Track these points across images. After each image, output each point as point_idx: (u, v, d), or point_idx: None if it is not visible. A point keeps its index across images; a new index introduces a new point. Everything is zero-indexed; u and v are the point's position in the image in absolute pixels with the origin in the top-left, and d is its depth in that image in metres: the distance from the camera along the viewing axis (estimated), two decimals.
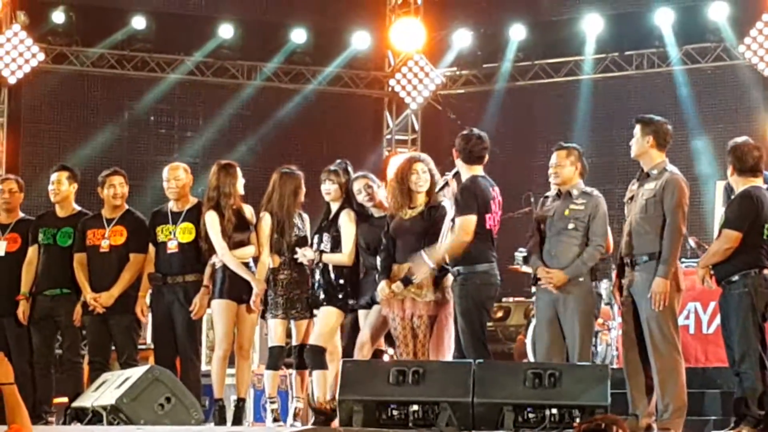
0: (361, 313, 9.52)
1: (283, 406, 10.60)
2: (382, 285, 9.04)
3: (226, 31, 17.47)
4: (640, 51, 17.28)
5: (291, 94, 18.04)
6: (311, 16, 17.87)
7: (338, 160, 9.79)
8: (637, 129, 8.64)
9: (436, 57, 18.26)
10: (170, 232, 9.90)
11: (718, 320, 9.66)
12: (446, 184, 9.05)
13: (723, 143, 9.01)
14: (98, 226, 10.11)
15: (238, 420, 9.68)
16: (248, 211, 9.83)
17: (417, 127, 18.68)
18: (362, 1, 18.56)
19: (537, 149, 16.29)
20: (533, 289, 9.16)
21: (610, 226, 8.91)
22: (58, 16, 16.99)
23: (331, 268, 9.52)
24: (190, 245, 9.85)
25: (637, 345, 8.53)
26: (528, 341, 12.12)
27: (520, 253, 12.24)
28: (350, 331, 9.64)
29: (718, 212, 10.57)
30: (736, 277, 8.47)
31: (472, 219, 8.73)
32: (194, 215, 9.87)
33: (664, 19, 16.75)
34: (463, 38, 18.05)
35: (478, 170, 8.96)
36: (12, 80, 16.75)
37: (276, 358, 9.71)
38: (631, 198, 8.66)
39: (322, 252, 9.52)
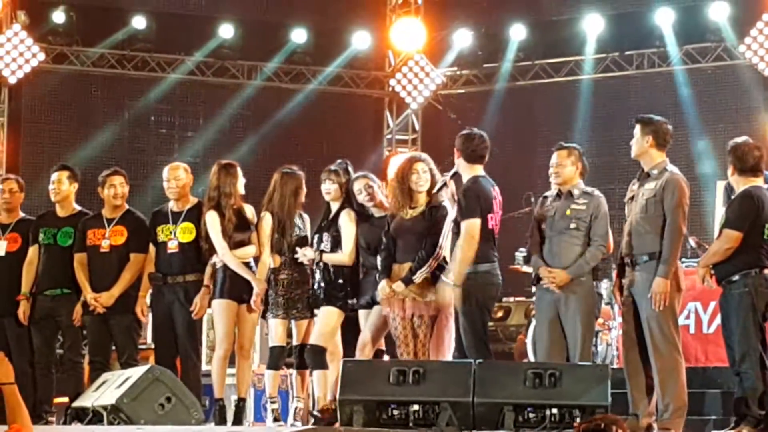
0: (362, 313, 9.53)
1: (284, 406, 10.60)
2: (383, 284, 9.05)
3: (226, 31, 17.47)
4: (640, 51, 17.28)
5: (291, 94, 18.04)
6: (311, 16, 17.87)
7: (339, 160, 9.79)
8: (637, 129, 8.65)
9: (436, 57, 18.26)
10: (170, 232, 9.91)
11: (718, 320, 9.67)
12: (444, 184, 9.04)
13: (723, 143, 9.02)
14: (99, 226, 10.11)
15: (238, 420, 9.68)
16: (249, 210, 9.83)
17: (417, 126, 18.68)
18: (362, 1, 18.56)
19: (537, 149, 16.28)
20: (534, 288, 9.17)
21: (610, 226, 8.91)
22: (59, 16, 16.99)
23: (331, 267, 9.52)
24: (190, 245, 9.85)
25: (637, 345, 8.53)
26: (528, 341, 12.13)
27: (521, 253, 12.25)
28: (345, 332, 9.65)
29: (719, 212, 10.57)
30: (736, 277, 8.47)
31: (477, 222, 8.73)
32: (195, 215, 9.87)
33: (664, 19, 16.75)
34: (463, 38, 18.05)
35: (479, 170, 8.96)
36: (12, 80, 16.75)
37: (276, 357, 9.71)
38: (632, 198, 8.66)
39: (322, 252, 9.53)
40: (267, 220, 9.67)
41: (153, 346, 10.72)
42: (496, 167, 9.17)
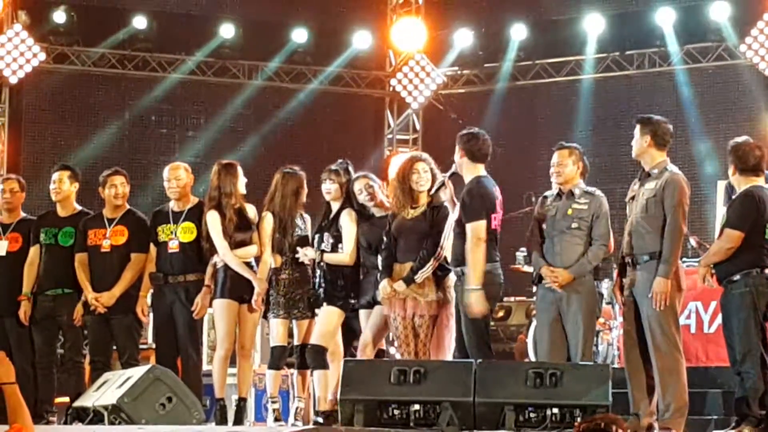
0: (362, 312, 9.53)
1: (285, 406, 10.60)
2: (384, 284, 9.05)
3: (227, 30, 17.47)
4: (641, 50, 17.26)
5: (292, 93, 18.04)
6: (312, 15, 17.87)
7: (339, 160, 9.80)
8: (637, 129, 8.67)
9: (437, 56, 18.25)
10: (171, 232, 9.91)
11: (719, 320, 9.67)
12: (443, 185, 9.03)
13: (724, 143, 9.02)
14: (99, 225, 10.11)
15: (239, 420, 9.68)
16: (251, 210, 9.83)
17: (418, 126, 18.67)
18: (363, 0, 18.55)
19: (538, 149, 16.25)
20: (535, 288, 9.16)
21: (611, 226, 8.92)
22: (60, 16, 16.98)
23: (331, 267, 9.52)
24: (191, 245, 9.85)
25: (638, 344, 8.54)
26: (529, 341, 12.13)
27: (521, 253, 12.25)
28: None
29: (720, 212, 10.57)
30: (737, 277, 8.47)
31: (482, 224, 8.73)
32: (195, 215, 9.87)
33: (665, 19, 16.73)
34: (464, 38, 18.04)
35: (482, 169, 8.97)
36: (13, 80, 16.74)
37: (277, 357, 9.71)
38: (633, 198, 8.67)
39: (323, 252, 9.53)
40: (268, 220, 9.67)
41: (154, 346, 10.72)
42: (497, 167, 9.17)
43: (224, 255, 9.63)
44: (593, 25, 17.16)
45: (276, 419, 9.69)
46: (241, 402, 9.78)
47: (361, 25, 18.06)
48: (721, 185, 11.13)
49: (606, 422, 4.95)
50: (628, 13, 17.38)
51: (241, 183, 9.82)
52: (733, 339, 8.52)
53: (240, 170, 9.85)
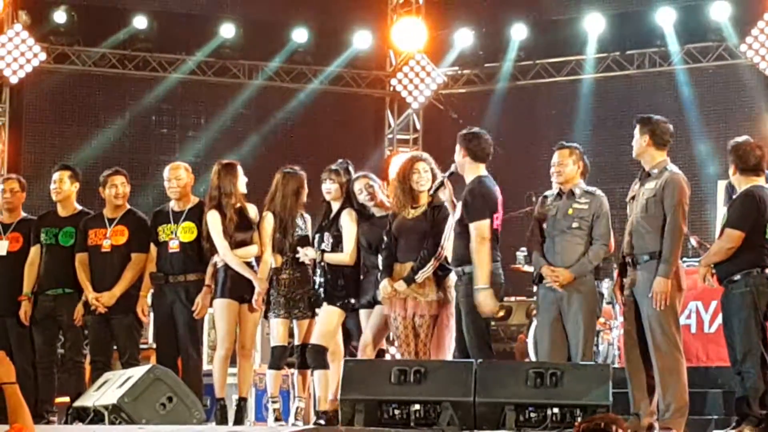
0: (363, 312, 9.53)
1: (285, 406, 10.60)
2: (385, 284, 9.05)
3: (227, 30, 17.47)
4: (641, 50, 17.26)
5: (292, 93, 18.04)
6: (313, 15, 17.86)
7: (340, 160, 9.80)
8: (636, 129, 8.69)
9: (437, 56, 18.25)
10: (172, 232, 9.91)
11: (719, 319, 9.67)
12: (442, 184, 9.01)
13: (724, 142, 9.02)
14: (100, 225, 10.11)
15: (239, 419, 9.68)
16: (252, 210, 9.83)
17: (418, 126, 18.67)
18: (363, 0, 18.54)
19: (538, 149, 16.24)
20: (535, 288, 9.16)
21: (612, 226, 8.92)
22: (60, 16, 16.98)
23: (331, 267, 9.52)
24: (191, 244, 9.86)
25: (638, 344, 8.54)
26: (530, 340, 12.12)
27: (522, 253, 12.25)
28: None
29: (720, 212, 10.57)
30: (738, 277, 8.47)
31: (486, 223, 8.74)
32: (196, 214, 9.88)
33: (665, 19, 16.73)
34: (464, 37, 18.03)
35: (483, 169, 8.97)
36: (14, 80, 16.74)
37: (278, 357, 9.71)
38: (633, 198, 8.67)
39: (323, 251, 9.52)
40: (269, 220, 9.68)
41: (154, 346, 10.72)
42: (497, 166, 9.17)
43: (224, 255, 9.63)
44: (593, 25, 17.15)
45: (276, 419, 9.69)
46: (242, 402, 9.78)
47: (361, 25, 18.06)
48: (722, 185, 11.14)
49: (606, 422, 4.95)
50: (628, 13, 17.38)
51: (242, 182, 9.82)
52: (733, 339, 8.52)
53: (240, 170, 9.85)
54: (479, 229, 8.72)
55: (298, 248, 9.55)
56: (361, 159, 14.32)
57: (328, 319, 9.48)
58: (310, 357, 9.46)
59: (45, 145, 17.31)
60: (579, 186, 8.83)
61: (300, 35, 17.67)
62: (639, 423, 8.41)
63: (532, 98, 18.20)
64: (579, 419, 7.60)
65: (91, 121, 17.55)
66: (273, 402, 9.76)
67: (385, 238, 9.21)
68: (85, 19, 17.19)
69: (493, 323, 9.67)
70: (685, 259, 10.70)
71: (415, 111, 18.58)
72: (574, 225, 8.73)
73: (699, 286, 9.35)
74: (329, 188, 9.63)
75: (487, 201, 8.80)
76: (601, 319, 11.28)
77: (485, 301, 8.63)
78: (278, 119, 17.91)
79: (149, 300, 10.16)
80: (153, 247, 9.98)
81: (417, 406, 7.90)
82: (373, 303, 9.40)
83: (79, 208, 10.40)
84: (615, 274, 9.05)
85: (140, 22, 17.19)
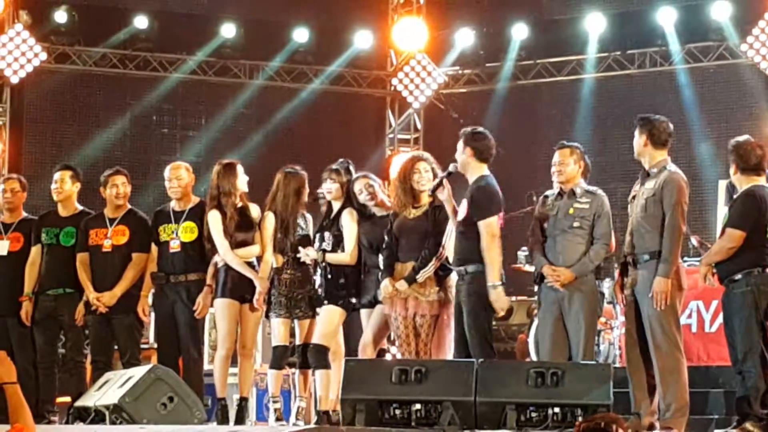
0: (364, 312, 9.53)
1: (286, 406, 10.60)
2: (386, 283, 9.05)
3: (228, 30, 17.46)
4: (642, 50, 17.24)
5: (293, 93, 18.02)
6: (313, 15, 17.85)
7: (340, 160, 9.80)
8: (636, 129, 8.69)
9: (438, 56, 18.24)
10: (172, 232, 9.91)
11: (720, 319, 9.67)
12: (441, 184, 9.00)
13: (725, 142, 9.01)
14: (101, 225, 10.11)
15: (240, 419, 9.68)
16: (255, 210, 9.83)
17: (419, 126, 18.65)
18: (364, 0, 18.54)
19: (539, 148, 16.23)
20: (536, 287, 9.16)
21: (612, 225, 8.92)
22: (61, 16, 16.98)
23: (333, 266, 9.52)
24: (192, 244, 9.86)
25: (639, 344, 8.54)
26: (530, 340, 12.12)
27: (523, 252, 12.24)
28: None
29: (721, 211, 10.57)
30: (739, 276, 8.47)
31: (495, 220, 8.78)
32: (197, 214, 9.88)
33: (666, 18, 16.72)
34: (465, 37, 18.03)
35: (486, 168, 8.98)
36: (14, 80, 16.74)
37: (279, 357, 9.71)
38: (634, 197, 8.68)
39: (324, 251, 9.52)
40: (270, 220, 9.68)
41: (155, 346, 10.71)
42: (498, 166, 9.16)
43: (225, 254, 9.64)
44: (594, 25, 17.15)
45: (277, 419, 9.69)
46: (243, 402, 9.78)
47: (362, 25, 18.05)
48: (723, 184, 11.14)
49: (606, 422, 4.95)
50: (629, 13, 17.37)
51: (242, 181, 9.82)
52: (734, 338, 8.52)
53: (240, 169, 9.85)
54: (489, 226, 8.74)
55: (300, 248, 9.55)
56: (361, 159, 14.32)
57: (329, 318, 9.48)
58: (312, 357, 9.46)
59: (46, 144, 17.30)
60: (580, 185, 8.83)
61: (301, 35, 17.67)
62: (640, 422, 8.41)
63: (533, 98, 18.19)
64: (580, 419, 7.60)
65: (92, 120, 17.55)
66: (274, 402, 9.76)
67: (386, 238, 9.21)
68: (85, 19, 17.18)
69: (494, 323, 9.66)
70: (686, 258, 10.71)
71: (415, 111, 18.57)
72: (575, 224, 8.73)
73: (700, 286, 9.34)
74: (329, 188, 9.63)
75: (495, 198, 8.84)
76: (602, 319, 11.28)
77: (499, 298, 8.66)
78: (279, 119, 17.89)
79: (150, 300, 10.16)
80: (154, 247, 9.98)
81: (418, 406, 7.90)
82: (373, 303, 9.40)
83: (80, 208, 10.41)
84: (616, 273, 9.05)
85: (141, 21, 17.19)
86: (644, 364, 8.51)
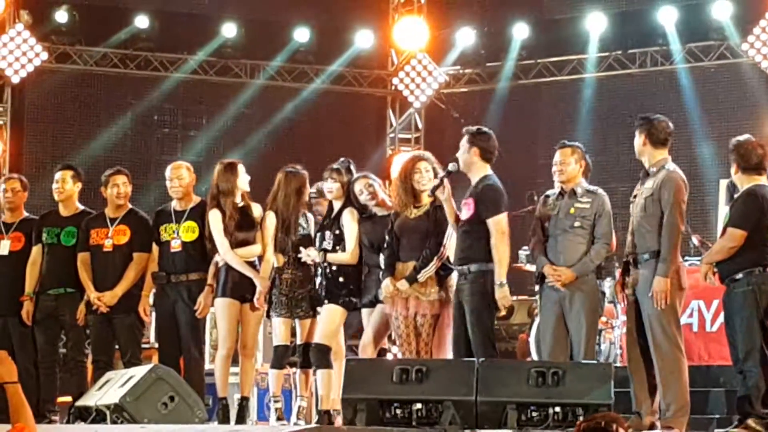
0: (365, 311, 9.53)
1: (287, 405, 10.60)
2: (386, 282, 9.05)
3: (229, 30, 17.46)
4: (643, 49, 17.24)
5: (294, 92, 18.03)
6: (314, 14, 17.86)
7: (341, 159, 9.79)
8: (636, 129, 8.70)
9: (439, 55, 18.24)
10: (173, 231, 9.91)
11: (721, 318, 9.67)
12: (441, 184, 9.00)
13: (726, 141, 9.01)
14: (101, 225, 10.11)
15: (241, 419, 9.69)
16: (257, 209, 9.83)
17: (420, 125, 18.66)
18: None
19: (540, 148, 16.27)
20: (537, 287, 9.16)
21: (614, 225, 8.92)
22: (62, 16, 16.98)
23: (332, 266, 9.51)
24: (193, 244, 9.86)
25: (640, 343, 8.54)
26: (531, 339, 12.12)
27: (524, 252, 12.24)
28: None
29: (722, 211, 10.57)
30: (740, 275, 8.47)
31: (504, 217, 8.80)
32: (198, 214, 9.88)
33: (667, 18, 16.73)
34: (466, 37, 18.03)
35: (489, 168, 8.99)
36: (15, 79, 16.74)
37: (280, 357, 9.71)
38: (636, 197, 8.68)
39: (325, 251, 9.51)
40: (271, 219, 9.68)
41: (156, 346, 10.71)
42: (499, 166, 9.17)
43: (225, 254, 9.64)
44: (595, 24, 17.15)
45: (278, 418, 9.70)
46: (244, 401, 9.79)
47: (363, 24, 18.06)
48: (723, 184, 11.13)
49: (607, 421, 4.95)
50: (630, 12, 17.38)
51: (243, 180, 9.81)
52: (735, 337, 8.52)
53: (241, 168, 9.85)
54: (499, 223, 8.76)
55: (301, 249, 9.54)
56: (362, 158, 14.32)
57: (330, 318, 9.47)
58: (314, 356, 9.46)
59: (47, 144, 17.31)
60: (581, 185, 8.83)
61: (302, 34, 17.67)
62: (641, 422, 8.41)
63: (534, 97, 18.20)
64: (581, 418, 7.59)
65: (93, 120, 17.56)
66: (275, 401, 9.76)
67: (387, 237, 9.21)
68: (86, 19, 17.19)
69: (495, 322, 9.67)
70: (687, 258, 10.70)
71: (416, 110, 18.57)
72: (576, 224, 8.73)
73: (701, 285, 9.35)
74: (330, 187, 9.63)
75: (503, 197, 8.87)
76: (603, 318, 11.27)
77: (505, 295, 8.69)
78: (280, 119, 17.90)
79: (151, 299, 10.16)
80: (155, 247, 9.98)
81: (419, 406, 7.89)
82: (374, 302, 9.40)
83: (81, 207, 10.40)
84: (617, 273, 9.05)
85: (142, 21, 17.19)
86: (645, 363, 8.50)
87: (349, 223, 9.50)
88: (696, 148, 16.29)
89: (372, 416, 7.92)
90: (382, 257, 9.27)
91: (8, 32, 16.63)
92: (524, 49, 17.67)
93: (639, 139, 8.65)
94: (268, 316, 9.77)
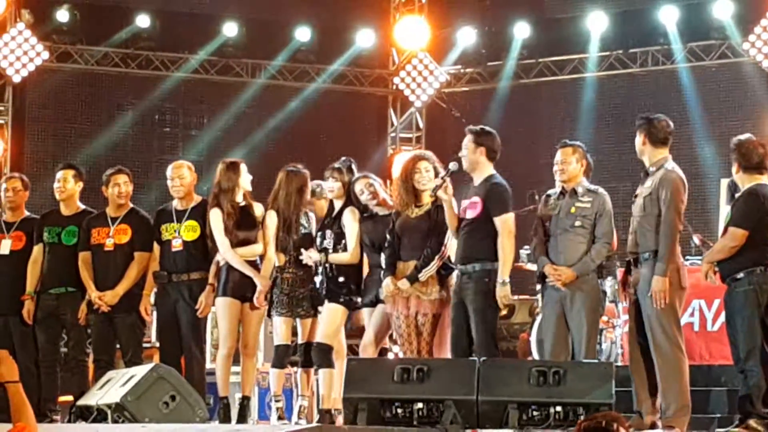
0: (366, 311, 9.53)
1: (288, 405, 10.60)
2: (388, 282, 9.05)
3: (230, 29, 17.46)
4: (644, 48, 17.24)
5: (295, 92, 18.03)
6: (315, 14, 17.86)
7: (342, 158, 9.79)
8: (637, 129, 8.70)
9: (440, 55, 18.25)
10: (175, 231, 9.91)
11: (722, 318, 9.68)
12: (444, 183, 8.99)
13: (727, 140, 9.01)
14: (103, 224, 10.11)
15: (242, 418, 9.69)
16: (258, 209, 9.83)
17: (421, 125, 18.66)
18: None
19: (541, 147, 16.24)
20: (538, 286, 9.16)
21: (615, 224, 8.91)
22: (63, 15, 16.98)
23: (334, 265, 9.51)
24: (194, 243, 9.86)
25: (641, 343, 8.53)
26: (533, 339, 12.12)
27: (525, 251, 12.23)
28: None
29: (723, 210, 10.56)
30: (741, 275, 8.47)
31: (511, 216, 8.83)
32: (199, 213, 9.88)
33: (668, 17, 16.73)
34: (467, 36, 18.03)
35: (492, 167, 9.00)
36: (16, 79, 16.75)
37: (281, 356, 9.71)
38: (637, 196, 8.68)
39: (326, 251, 9.51)
40: (272, 219, 9.68)
41: (157, 345, 10.71)
42: (500, 165, 9.17)
43: (225, 253, 9.64)
44: (596, 24, 17.15)
45: (279, 417, 9.70)
46: (245, 400, 9.79)
47: (364, 24, 18.06)
48: (725, 183, 11.13)
49: (608, 420, 4.95)
50: (631, 11, 17.37)
51: (244, 180, 9.82)
52: (736, 337, 8.52)
53: (243, 168, 9.85)
54: (507, 222, 8.78)
55: (302, 250, 9.53)
56: (363, 157, 14.31)
57: (331, 317, 9.48)
58: (316, 356, 9.46)
59: (48, 143, 17.31)
60: (582, 184, 8.83)
61: (303, 34, 17.67)
62: (642, 421, 8.41)
63: (535, 97, 18.19)
64: (581, 417, 7.58)
65: (94, 119, 17.56)
66: (276, 400, 9.77)
67: (388, 237, 9.21)
68: (87, 18, 17.19)
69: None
70: (688, 257, 10.69)
71: (417, 109, 18.58)
72: (577, 223, 8.73)
73: (702, 284, 9.35)
74: (331, 186, 9.63)
75: (509, 196, 8.89)
76: (604, 318, 11.27)
77: (507, 294, 8.71)
78: (281, 118, 17.89)
79: (152, 299, 10.16)
80: (156, 246, 9.98)
81: (420, 405, 7.89)
82: (375, 302, 9.40)
83: (82, 207, 10.41)
84: (619, 272, 9.05)
85: (143, 20, 17.20)
86: (646, 363, 8.50)
87: (350, 222, 9.50)
88: (697, 148, 16.28)
89: (373, 415, 7.92)
90: (383, 257, 9.27)
91: (9, 31, 16.63)
92: (525, 49, 17.68)
93: (639, 139, 8.66)
94: (269, 315, 9.77)
